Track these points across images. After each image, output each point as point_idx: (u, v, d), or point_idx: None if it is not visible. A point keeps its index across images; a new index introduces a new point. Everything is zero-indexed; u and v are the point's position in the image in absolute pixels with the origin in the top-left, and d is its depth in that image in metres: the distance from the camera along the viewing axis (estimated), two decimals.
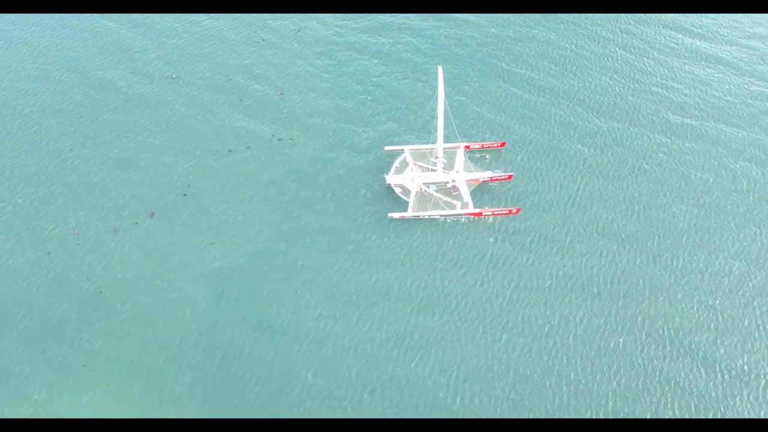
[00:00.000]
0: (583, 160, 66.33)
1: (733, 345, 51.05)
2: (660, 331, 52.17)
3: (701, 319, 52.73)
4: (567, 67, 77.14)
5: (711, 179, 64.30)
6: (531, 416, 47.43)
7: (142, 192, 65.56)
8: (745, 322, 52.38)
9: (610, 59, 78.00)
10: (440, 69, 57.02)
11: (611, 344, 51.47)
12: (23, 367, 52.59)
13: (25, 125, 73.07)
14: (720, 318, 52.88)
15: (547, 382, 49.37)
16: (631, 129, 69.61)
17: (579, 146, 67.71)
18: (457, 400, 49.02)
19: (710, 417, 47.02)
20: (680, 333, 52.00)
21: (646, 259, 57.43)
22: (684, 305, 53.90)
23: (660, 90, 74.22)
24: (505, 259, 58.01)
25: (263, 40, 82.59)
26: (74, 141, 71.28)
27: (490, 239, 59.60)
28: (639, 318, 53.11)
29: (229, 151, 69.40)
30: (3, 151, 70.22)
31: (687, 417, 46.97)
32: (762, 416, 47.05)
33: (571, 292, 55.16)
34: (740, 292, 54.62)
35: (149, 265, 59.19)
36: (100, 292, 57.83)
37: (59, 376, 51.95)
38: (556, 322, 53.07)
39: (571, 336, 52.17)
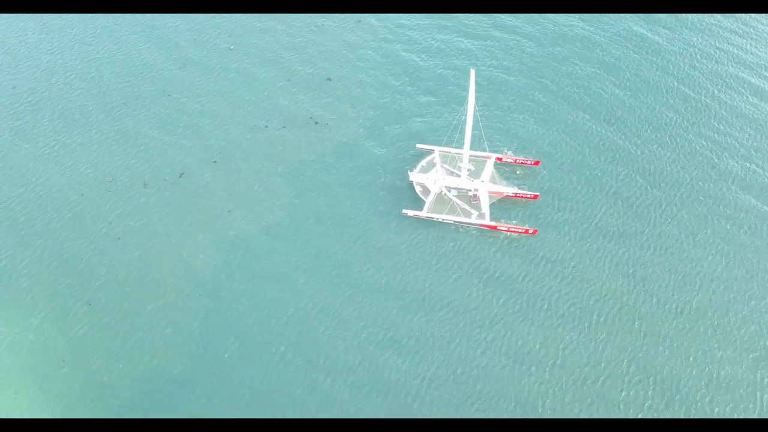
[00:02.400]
0: (613, 193, 63.64)
1: (724, 405, 48.55)
2: (647, 378, 50.29)
3: (694, 373, 50.38)
4: (619, 95, 74.04)
5: (749, 238, 60.10)
6: None
7: (177, 153, 69.83)
8: (744, 386, 49.62)
9: (669, 93, 74.32)
10: (473, 72, 56.94)
11: (590, 379, 50.24)
12: (27, 293, 57.77)
13: (86, 73, 79.70)
14: (717, 376, 50.29)
15: (512, 406, 48.94)
16: (675, 169, 65.72)
17: (613, 179, 64.69)
18: (416, 401, 49.57)
19: None
20: (668, 383, 49.90)
21: (651, 302, 54.63)
22: (680, 356, 51.44)
23: (714, 134, 69.09)
24: (501, 275, 57.16)
25: (321, 25, 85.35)
26: (127, 95, 76.85)
27: (495, 252, 59.25)
28: (626, 360, 51.32)
29: (266, 126, 72.52)
30: (66, 94, 76.92)
31: None
32: None
33: (562, 319, 53.79)
34: (747, 354, 51.63)
35: (167, 221, 63.11)
36: (119, 238, 62.29)
37: (61, 308, 56.64)
38: (537, 346, 52.26)
39: (550, 362, 51.29)
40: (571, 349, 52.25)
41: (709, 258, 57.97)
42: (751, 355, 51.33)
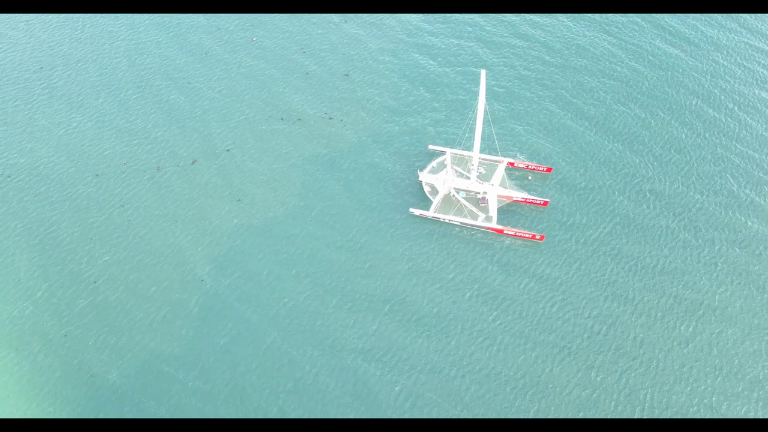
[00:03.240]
0: (623, 207, 62.18)
1: None
2: (635, 398, 49.39)
3: (682, 400, 49.13)
4: (636, 110, 72.38)
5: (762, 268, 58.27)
6: None
7: (191, 139, 71.06)
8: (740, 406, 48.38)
9: (688, 110, 71.76)
10: (483, 72, 56.78)
11: (575, 391, 49.58)
12: (35, 266, 59.32)
13: (109, 57, 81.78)
14: (709, 403, 49.04)
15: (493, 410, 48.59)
16: (688, 191, 63.68)
17: (625, 194, 63.49)
18: (401, 397, 49.52)
19: None
20: (657, 402, 48.89)
21: (646, 331, 53.32)
22: (669, 378, 50.33)
23: (733, 156, 66.64)
24: (495, 279, 56.92)
25: (345, 21, 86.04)
26: (149, 81, 78.47)
27: (497, 256, 58.86)
28: (616, 390, 50.46)
29: (281, 119, 73.33)
30: (89, 77, 78.98)
31: None
32: None
33: (550, 335, 53.02)
34: (744, 394, 50.00)
35: (176, 206, 64.26)
36: (129, 221, 63.61)
37: (68, 283, 58.08)
38: (531, 354, 51.87)
39: (539, 370, 50.76)
40: (561, 357, 51.63)
41: (714, 287, 56.08)
42: (743, 385, 50.09)
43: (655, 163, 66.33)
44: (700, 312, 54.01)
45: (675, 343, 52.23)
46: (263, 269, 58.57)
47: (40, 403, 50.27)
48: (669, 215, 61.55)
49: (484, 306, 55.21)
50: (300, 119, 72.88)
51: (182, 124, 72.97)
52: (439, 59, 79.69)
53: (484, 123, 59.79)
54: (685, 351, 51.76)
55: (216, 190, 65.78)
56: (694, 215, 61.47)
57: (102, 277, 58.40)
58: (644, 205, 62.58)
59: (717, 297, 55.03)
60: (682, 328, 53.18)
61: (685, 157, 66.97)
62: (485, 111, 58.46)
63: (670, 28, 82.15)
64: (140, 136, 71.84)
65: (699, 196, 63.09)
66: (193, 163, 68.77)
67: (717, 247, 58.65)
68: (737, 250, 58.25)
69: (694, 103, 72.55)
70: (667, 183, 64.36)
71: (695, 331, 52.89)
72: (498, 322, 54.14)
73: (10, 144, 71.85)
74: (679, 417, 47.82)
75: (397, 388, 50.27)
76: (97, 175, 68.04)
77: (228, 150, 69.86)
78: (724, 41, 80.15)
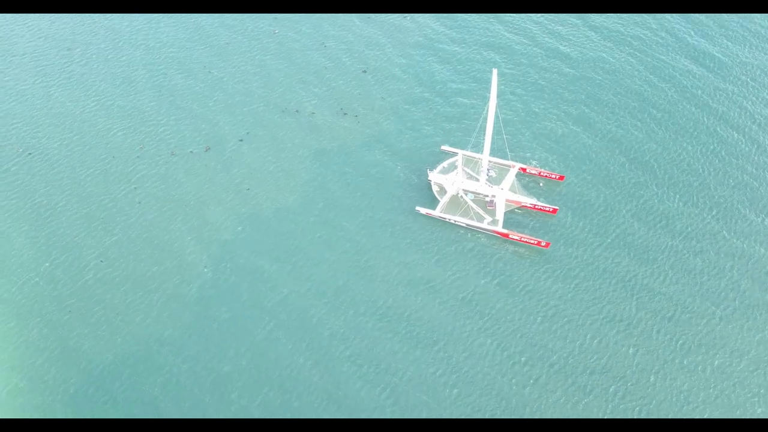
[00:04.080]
0: (632, 223, 60.78)
1: None
2: (631, 408, 48.42)
3: (684, 410, 48.13)
4: (653, 127, 70.11)
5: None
6: None
7: (206, 127, 72.31)
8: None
9: (708, 132, 69.31)
10: (495, 72, 56.40)
11: (571, 400, 48.85)
12: (44, 240, 61.22)
13: (132, 42, 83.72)
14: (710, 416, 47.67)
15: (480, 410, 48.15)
16: (701, 214, 61.34)
17: (634, 210, 61.90)
18: (391, 399, 49.50)
19: None
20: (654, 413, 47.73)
21: (648, 335, 52.45)
22: (669, 390, 49.14)
23: (753, 181, 63.97)
24: (494, 282, 56.54)
25: (366, 20, 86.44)
26: (169, 67, 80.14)
27: (499, 260, 58.45)
28: (612, 386, 49.57)
29: (296, 111, 74.08)
30: (112, 60, 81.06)
31: None
32: None
33: (543, 342, 52.44)
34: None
35: (187, 192, 65.55)
36: (139, 202, 65.03)
37: (74, 258, 59.73)
38: (522, 360, 51.33)
39: (534, 377, 50.26)
40: (558, 367, 51.01)
41: (714, 309, 54.50)
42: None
43: (667, 180, 64.69)
44: (699, 333, 52.75)
45: (668, 360, 51.15)
46: (264, 260, 59.30)
47: (34, 375, 51.75)
48: (675, 234, 59.86)
49: (479, 308, 54.91)
50: (314, 113, 73.52)
51: (199, 111, 74.28)
52: (457, 62, 79.50)
53: (495, 127, 59.42)
54: (678, 368, 50.65)
55: (226, 179, 66.77)
56: (702, 236, 59.88)
57: (107, 255, 59.84)
58: (651, 223, 61.03)
59: (717, 321, 53.68)
60: (677, 345, 52.10)
61: (699, 177, 64.74)
62: (496, 114, 57.96)
63: (695, 43, 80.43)
64: (157, 122, 73.39)
65: (709, 218, 61.40)
66: (206, 150, 69.93)
67: (723, 271, 57.15)
68: (744, 279, 56.50)
69: (712, 122, 70.11)
70: (678, 202, 62.62)
71: (690, 351, 51.71)
72: (492, 325, 53.77)
73: (32, 122, 74.06)
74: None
75: (384, 388, 50.24)
76: (114, 157, 69.63)
77: (241, 140, 70.83)
78: (750, 60, 78.10)
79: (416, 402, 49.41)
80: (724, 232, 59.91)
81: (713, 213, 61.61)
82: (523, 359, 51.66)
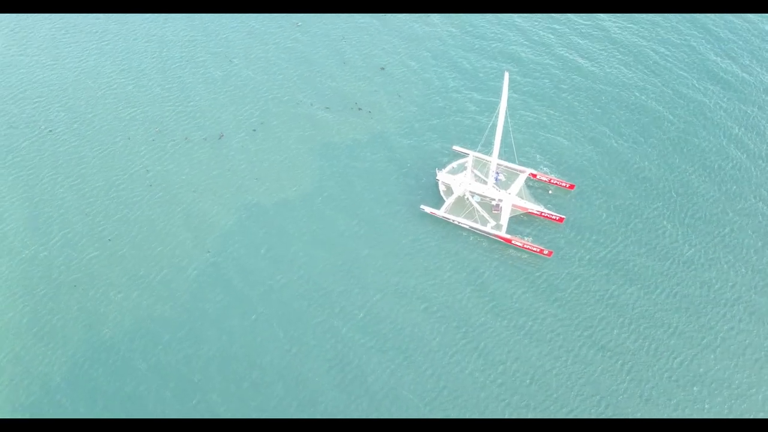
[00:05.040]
0: (639, 237, 59.81)
1: None
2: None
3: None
4: (673, 137, 69.03)
5: None
6: None
7: (221, 115, 73.73)
8: None
9: (731, 143, 68.09)
10: (506, 75, 56.16)
11: (554, 407, 48.38)
12: (54, 215, 63.13)
13: (153, 28, 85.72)
14: None
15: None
16: (716, 230, 59.97)
17: (640, 225, 60.84)
18: (378, 396, 49.73)
19: None
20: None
21: (642, 353, 51.71)
22: (656, 404, 48.14)
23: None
24: (490, 286, 56.49)
25: (389, 16, 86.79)
26: (191, 54, 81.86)
27: (499, 264, 58.24)
28: (598, 396, 48.76)
29: (311, 104, 74.89)
30: (133, 45, 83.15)
31: None
32: None
33: (534, 350, 52.12)
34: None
35: (197, 177, 67.02)
36: (150, 185, 66.64)
37: (80, 235, 61.68)
38: (510, 363, 51.13)
39: (523, 380, 49.94)
40: (544, 371, 50.64)
41: (723, 333, 53.22)
42: None
43: (677, 200, 63.32)
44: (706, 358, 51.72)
45: (665, 373, 50.33)
46: (265, 248, 60.32)
47: (35, 343, 53.56)
48: (679, 258, 58.46)
49: (473, 310, 54.94)
50: (328, 107, 74.20)
51: (215, 98, 75.70)
52: (474, 64, 79.36)
53: (504, 131, 59.17)
54: (674, 384, 49.78)
55: (237, 166, 67.92)
56: (716, 254, 58.75)
57: (114, 232, 61.54)
58: (656, 242, 59.82)
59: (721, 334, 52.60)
60: (675, 361, 51.19)
61: (710, 201, 63.14)
62: (506, 118, 57.63)
63: (717, 60, 78.56)
64: (174, 107, 75.05)
65: (727, 235, 60.22)
66: (220, 138, 71.18)
67: (732, 289, 55.96)
68: (746, 318, 55.02)
69: (728, 145, 67.96)
70: (686, 224, 61.14)
71: (690, 365, 50.77)
72: (484, 328, 53.75)
73: (56, 101, 76.48)
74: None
75: (373, 383, 50.52)
76: (129, 138, 71.38)
77: (254, 130, 71.90)
78: None
79: (404, 400, 49.55)
80: (733, 261, 58.45)
81: (721, 239, 60.11)
82: (513, 367, 51.43)
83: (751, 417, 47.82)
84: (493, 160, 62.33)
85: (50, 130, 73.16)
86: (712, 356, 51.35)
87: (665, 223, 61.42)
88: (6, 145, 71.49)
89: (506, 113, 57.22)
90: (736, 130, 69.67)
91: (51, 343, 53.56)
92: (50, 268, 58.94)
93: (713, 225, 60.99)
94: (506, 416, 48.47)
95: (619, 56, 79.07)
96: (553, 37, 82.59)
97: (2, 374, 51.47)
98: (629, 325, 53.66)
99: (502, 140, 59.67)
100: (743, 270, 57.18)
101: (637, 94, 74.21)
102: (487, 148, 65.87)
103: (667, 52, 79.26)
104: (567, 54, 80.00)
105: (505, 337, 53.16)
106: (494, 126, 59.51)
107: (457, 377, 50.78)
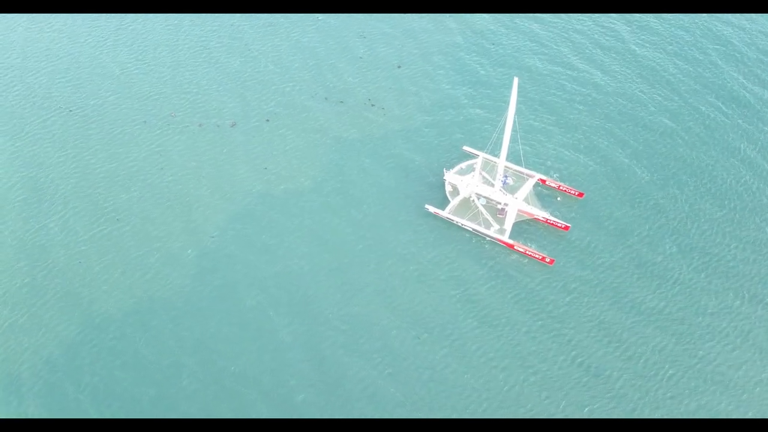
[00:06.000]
0: (642, 254, 58.82)
1: None
2: None
3: None
4: (685, 155, 67.43)
5: None
6: None
7: (236, 103, 74.78)
8: None
9: (747, 166, 66.29)
10: (516, 80, 55.84)
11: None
12: (63, 191, 65.01)
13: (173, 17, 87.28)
14: None
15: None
16: (724, 256, 58.33)
17: (644, 247, 59.45)
18: (365, 395, 49.89)
19: None
20: None
21: (625, 369, 51.25)
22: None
23: None
24: (487, 289, 56.42)
25: (408, 16, 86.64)
26: (210, 42, 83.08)
27: (496, 269, 58.06)
28: (587, 407, 48.22)
29: (325, 98, 75.37)
30: (153, 31, 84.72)
31: None
32: None
33: (526, 355, 51.95)
34: None
35: (207, 163, 68.30)
36: (161, 168, 67.91)
37: (89, 211, 63.34)
38: (499, 367, 50.81)
39: (507, 386, 49.70)
40: (532, 379, 50.30)
41: (713, 361, 52.18)
42: None
43: (691, 215, 62.12)
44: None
45: (656, 390, 49.57)
46: (268, 236, 61.23)
47: (35, 313, 55.25)
48: (683, 279, 57.24)
49: (467, 312, 55.05)
50: (342, 101, 74.60)
51: (230, 86, 76.75)
52: (493, 66, 78.95)
53: (514, 135, 58.83)
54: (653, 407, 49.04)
55: (247, 155, 68.82)
56: (721, 282, 57.34)
57: (120, 211, 63.06)
58: (665, 256, 58.87)
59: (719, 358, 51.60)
60: (665, 377, 50.42)
61: (724, 221, 61.60)
62: (515, 122, 57.18)
63: (740, 80, 76.64)
64: (190, 92, 76.36)
65: (733, 261, 58.82)
66: (232, 125, 72.09)
67: (734, 313, 54.75)
68: (756, 328, 53.84)
69: (747, 163, 66.60)
70: (697, 238, 60.12)
71: (680, 383, 49.96)
72: (477, 330, 53.76)
73: (76, 81, 78.38)
74: None
75: (360, 381, 50.79)
76: (145, 122, 72.75)
77: (267, 120, 72.67)
78: None
79: (391, 398, 49.74)
80: (732, 288, 57.20)
81: (724, 264, 58.76)
82: (503, 376, 51.26)
83: None
84: (501, 163, 61.94)
85: (69, 110, 74.88)
86: (694, 384, 50.39)
87: (672, 244, 59.98)
88: (25, 119, 73.71)
89: (515, 118, 56.76)
90: (751, 152, 67.92)
91: (49, 314, 55.25)
92: (57, 241, 60.72)
93: (718, 247, 59.69)
94: (478, 417, 48.27)
95: (637, 69, 77.78)
96: (570, 45, 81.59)
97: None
98: (622, 339, 53.07)
99: (512, 145, 59.37)
100: (741, 298, 55.84)
101: (652, 109, 72.88)
102: (496, 151, 65.51)
103: (689, 68, 77.57)
104: (583, 65, 78.91)
105: (490, 339, 53.06)
106: (502, 129, 59.14)
107: (440, 374, 51.01)
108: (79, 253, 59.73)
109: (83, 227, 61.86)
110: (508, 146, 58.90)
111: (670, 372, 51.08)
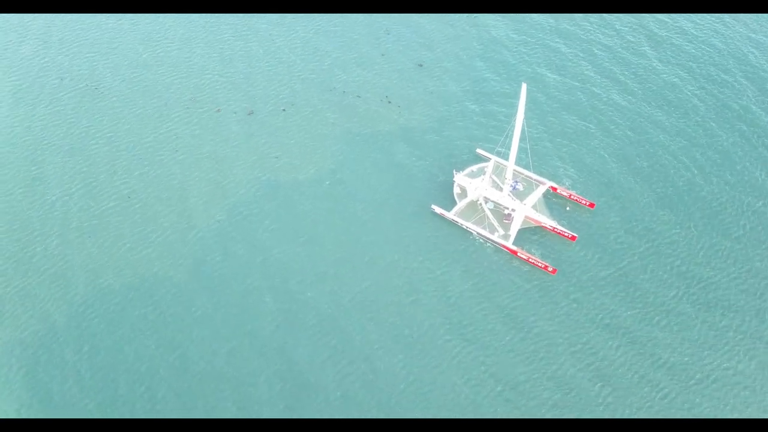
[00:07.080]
0: (647, 274, 57.80)
1: None
2: None
3: None
4: (696, 180, 65.50)
5: None
6: None
7: (254, 92, 76.17)
8: None
9: (761, 198, 65.52)
10: (524, 86, 55.49)
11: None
12: (70, 167, 66.96)
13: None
14: None
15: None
16: (729, 282, 56.95)
17: (651, 262, 58.54)
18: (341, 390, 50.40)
19: None
20: None
21: (612, 385, 50.56)
22: None
23: None
24: (484, 292, 56.44)
25: (434, 14, 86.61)
26: (238, 29, 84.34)
27: (496, 273, 57.85)
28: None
29: (344, 92, 76.00)
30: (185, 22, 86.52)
31: None
32: None
33: (518, 358, 51.52)
34: None
35: (222, 148, 69.64)
36: (176, 150, 69.60)
37: (97, 189, 65.30)
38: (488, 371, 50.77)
39: (498, 389, 49.56)
40: (523, 381, 50.07)
41: (714, 375, 51.47)
42: None
43: (699, 237, 60.63)
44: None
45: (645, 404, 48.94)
46: (272, 223, 62.32)
47: (44, 280, 57.71)
48: (688, 299, 56.12)
49: (463, 313, 55.05)
50: (359, 96, 75.08)
51: (251, 75, 78.15)
52: (512, 69, 78.65)
53: (529, 140, 58.48)
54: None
55: (261, 144, 70.02)
56: (715, 298, 56.23)
57: (131, 188, 65.04)
58: (668, 282, 57.45)
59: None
60: (658, 396, 49.64)
61: (737, 242, 60.18)
62: (523, 128, 56.78)
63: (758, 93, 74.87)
64: (211, 78, 78.02)
65: (732, 286, 57.34)
66: (249, 114, 73.21)
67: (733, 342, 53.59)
68: (754, 362, 52.56)
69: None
70: (703, 266, 58.49)
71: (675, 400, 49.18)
72: (471, 331, 53.76)
73: (106, 61, 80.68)
74: None
75: (335, 389, 51.53)
76: (165, 104, 74.42)
77: (284, 110, 73.58)
78: None
79: (379, 392, 50.10)
80: (741, 306, 55.83)
81: (735, 285, 57.37)
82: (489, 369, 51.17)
83: None
84: (509, 168, 61.62)
85: (96, 87, 77.01)
86: (697, 398, 49.50)
87: (680, 264, 58.84)
88: (51, 94, 76.39)
89: (523, 123, 56.38)
90: None
91: (56, 282, 57.49)
92: (70, 214, 63.01)
93: (731, 264, 58.44)
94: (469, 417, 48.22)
95: (666, 77, 76.42)
96: (600, 47, 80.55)
97: (8, 304, 55.36)
98: (617, 350, 52.29)
99: (525, 151, 58.96)
100: (749, 318, 54.61)
101: (675, 120, 71.52)
102: (507, 155, 65.19)
103: (712, 88, 75.73)
104: (611, 68, 77.82)
105: (490, 341, 53.08)
106: (511, 134, 58.83)
107: (431, 373, 51.20)
108: (89, 226, 61.80)
109: (96, 201, 64.27)
110: (518, 152, 58.64)
111: (654, 393, 50.39)
